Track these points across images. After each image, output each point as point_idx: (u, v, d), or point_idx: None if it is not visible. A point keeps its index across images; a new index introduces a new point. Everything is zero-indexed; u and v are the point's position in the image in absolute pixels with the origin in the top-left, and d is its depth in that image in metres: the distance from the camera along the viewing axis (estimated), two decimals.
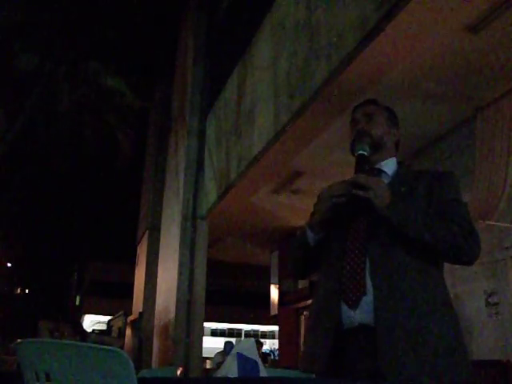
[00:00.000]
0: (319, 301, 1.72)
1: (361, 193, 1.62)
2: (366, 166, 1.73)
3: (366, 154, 1.73)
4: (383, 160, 1.81)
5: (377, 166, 1.80)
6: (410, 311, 1.53)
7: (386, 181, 1.75)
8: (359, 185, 1.63)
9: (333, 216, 1.71)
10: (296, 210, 9.18)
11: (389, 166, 1.82)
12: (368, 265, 1.61)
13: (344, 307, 1.60)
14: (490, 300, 5.25)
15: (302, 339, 10.87)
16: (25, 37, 10.02)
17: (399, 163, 1.86)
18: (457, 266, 1.80)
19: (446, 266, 1.71)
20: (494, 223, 4.85)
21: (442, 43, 4.42)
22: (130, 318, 14.57)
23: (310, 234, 1.75)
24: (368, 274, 1.60)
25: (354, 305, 1.58)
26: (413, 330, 1.51)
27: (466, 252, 1.60)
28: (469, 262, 1.65)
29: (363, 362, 1.56)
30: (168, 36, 12.46)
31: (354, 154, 1.78)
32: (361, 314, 1.57)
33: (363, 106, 1.89)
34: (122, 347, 13.32)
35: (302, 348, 1.83)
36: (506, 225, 4.98)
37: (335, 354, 1.58)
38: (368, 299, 1.57)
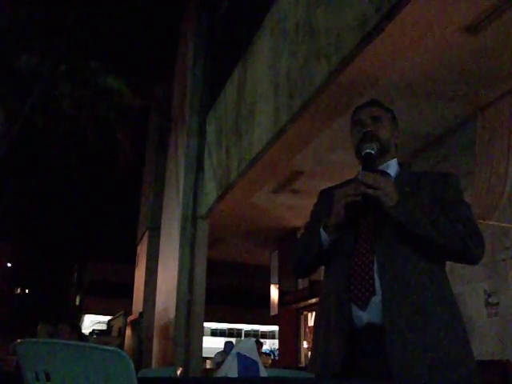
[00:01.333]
0: (328, 301, 1.71)
1: (370, 191, 1.62)
2: (372, 164, 1.73)
3: (372, 152, 1.74)
4: (386, 162, 1.82)
5: (381, 168, 1.80)
6: (418, 310, 1.55)
7: None
8: (367, 184, 1.63)
9: (347, 217, 1.69)
10: (296, 210, 9.19)
11: (392, 167, 1.83)
12: (376, 265, 1.61)
13: (354, 307, 1.60)
14: (489, 300, 5.25)
15: (302, 339, 10.87)
16: (25, 37, 10.01)
17: (400, 164, 1.86)
18: (457, 266, 1.80)
19: (446, 266, 1.71)
20: (494, 223, 4.85)
21: (441, 43, 4.42)
22: (130, 317, 14.58)
23: (324, 237, 1.72)
24: (376, 274, 1.60)
25: (363, 305, 1.59)
26: (420, 328, 1.53)
27: (471, 251, 1.61)
28: (474, 262, 1.66)
29: (374, 361, 1.56)
30: (168, 36, 12.46)
31: (359, 156, 1.78)
32: (369, 313, 1.58)
33: (368, 106, 1.87)
34: (120, 345, 13.33)
35: (312, 349, 1.80)
36: (506, 225, 4.98)
37: (349, 354, 1.58)
38: (377, 299, 1.58)
